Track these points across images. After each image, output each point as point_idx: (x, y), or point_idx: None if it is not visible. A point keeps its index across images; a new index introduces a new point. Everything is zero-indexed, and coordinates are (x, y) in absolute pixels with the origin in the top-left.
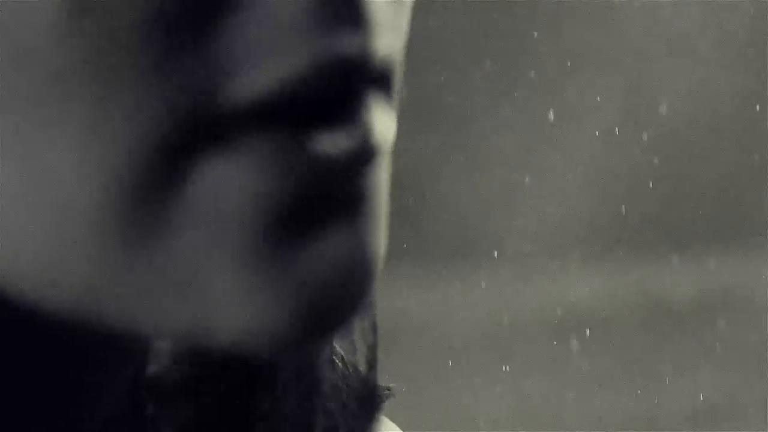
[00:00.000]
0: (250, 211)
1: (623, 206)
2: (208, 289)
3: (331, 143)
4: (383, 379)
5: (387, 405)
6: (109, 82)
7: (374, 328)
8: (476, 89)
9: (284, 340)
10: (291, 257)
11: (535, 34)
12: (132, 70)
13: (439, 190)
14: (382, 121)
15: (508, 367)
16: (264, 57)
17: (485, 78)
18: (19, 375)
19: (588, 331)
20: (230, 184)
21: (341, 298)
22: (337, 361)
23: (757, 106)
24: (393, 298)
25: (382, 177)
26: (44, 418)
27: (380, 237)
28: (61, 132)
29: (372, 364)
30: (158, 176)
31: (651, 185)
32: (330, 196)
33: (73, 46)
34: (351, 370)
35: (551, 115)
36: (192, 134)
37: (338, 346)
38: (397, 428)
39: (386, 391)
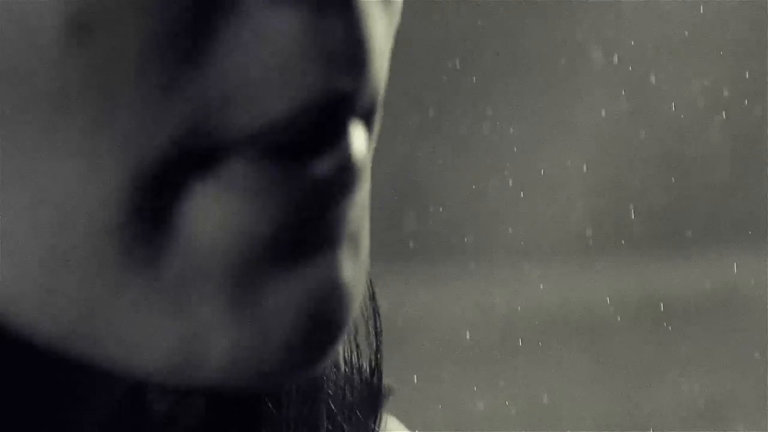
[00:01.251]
0: (234, 242)
1: (622, 206)
2: (193, 318)
3: (316, 177)
4: (385, 379)
5: (389, 404)
6: (105, 107)
7: (378, 330)
8: (474, 89)
9: (269, 370)
10: (273, 289)
11: (535, 32)
12: (128, 95)
13: (437, 190)
14: (364, 154)
15: (506, 367)
16: (256, 90)
17: (483, 77)
18: (14, 376)
19: (587, 331)
20: (216, 216)
21: (322, 329)
22: (341, 363)
23: (758, 107)
24: (391, 298)
25: (363, 207)
26: (39, 416)
27: (362, 267)
28: (60, 154)
29: (376, 366)
30: (150, 202)
31: (651, 185)
32: (313, 228)
33: (71, 70)
34: (355, 373)
35: (550, 115)
36: (183, 162)
37: (343, 348)
38: (404, 427)
39: (389, 391)
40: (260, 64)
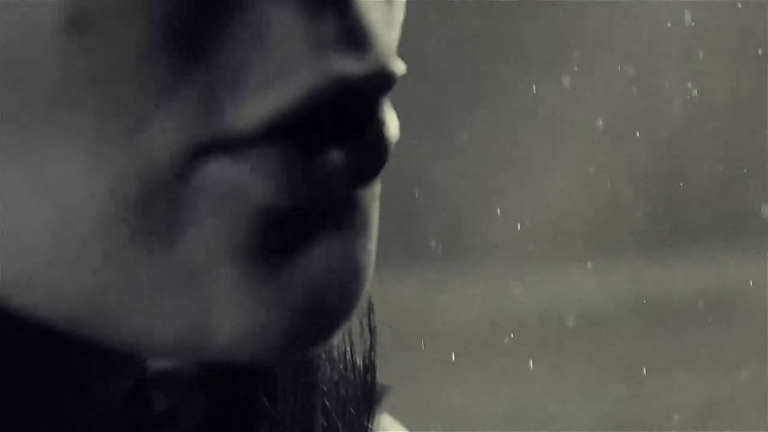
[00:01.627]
0: (249, 218)
1: (622, 206)
2: (206, 294)
3: (336, 157)
4: (381, 377)
5: (385, 402)
6: (110, 100)
7: (373, 327)
8: (474, 89)
9: (279, 345)
10: (287, 264)
11: (535, 34)
12: (133, 88)
13: (437, 190)
14: (392, 125)
15: (505, 367)
16: (261, 81)
17: (483, 77)
18: (17, 374)
19: (587, 331)
20: (231, 193)
21: (333, 305)
22: (336, 359)
23: (757, 107)
24: (389, 297)
25: (376, 185)
26: (41, 413)
27: (372, 246)
28: (66, 144)
29: (370, 362)
30: (161, 185)
31: (650, 185)
32: (327, 206)
33: (74, 65)
34: (350, 369)
35: (549, 115)
36: (196, 146)
37: (337, 344)
38: (399, 425)
39: (384, 388)
40: (263, 55)
